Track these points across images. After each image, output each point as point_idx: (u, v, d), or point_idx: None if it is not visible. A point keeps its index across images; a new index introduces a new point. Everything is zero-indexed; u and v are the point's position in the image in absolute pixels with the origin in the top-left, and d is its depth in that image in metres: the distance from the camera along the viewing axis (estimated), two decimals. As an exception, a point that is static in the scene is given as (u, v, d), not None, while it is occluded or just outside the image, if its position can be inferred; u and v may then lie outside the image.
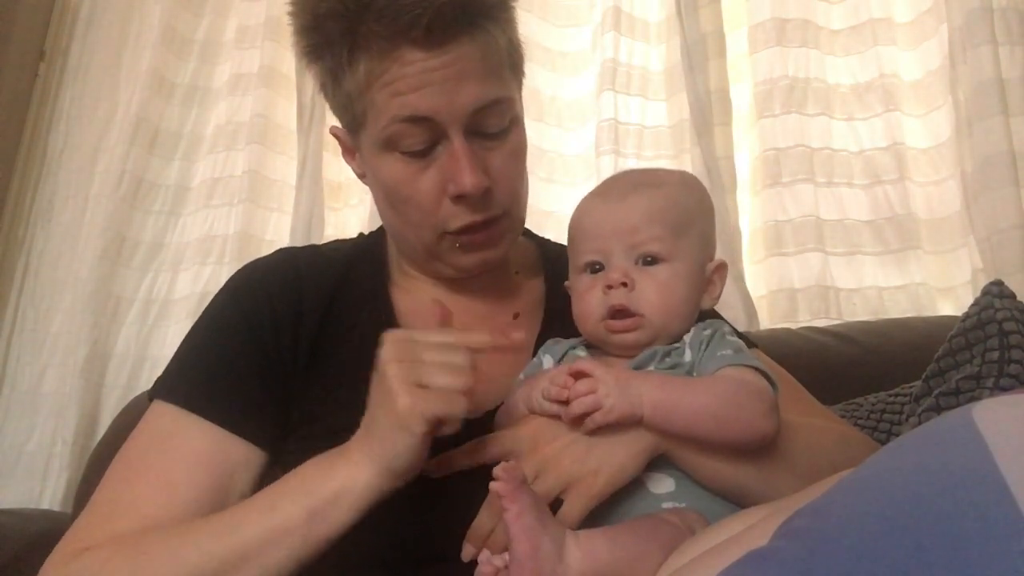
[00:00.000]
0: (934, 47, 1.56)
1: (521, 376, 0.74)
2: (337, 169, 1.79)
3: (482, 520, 0.62)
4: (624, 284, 0.67)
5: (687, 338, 0.68)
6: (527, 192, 0.83)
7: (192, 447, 0.72)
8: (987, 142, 1.41)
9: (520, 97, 0.81)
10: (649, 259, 0.67)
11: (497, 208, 0.76)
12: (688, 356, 0.67)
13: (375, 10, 0.69)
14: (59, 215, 1.77)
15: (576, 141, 1.76)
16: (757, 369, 0.64)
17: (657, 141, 1.68)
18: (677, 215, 0.69)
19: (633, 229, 0.68)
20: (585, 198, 0.74)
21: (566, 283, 0.76)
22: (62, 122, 1.82)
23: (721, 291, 0.72)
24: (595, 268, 0.70)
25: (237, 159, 1.77)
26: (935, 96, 1.55)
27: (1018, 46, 1.45)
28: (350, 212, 1.78)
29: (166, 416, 0.74)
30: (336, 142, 0.87)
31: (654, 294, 0.67)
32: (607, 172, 1.62)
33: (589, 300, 0.69)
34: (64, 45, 1.86)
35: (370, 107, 0.73)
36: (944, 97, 1.52)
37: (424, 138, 0.73)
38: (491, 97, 0.73)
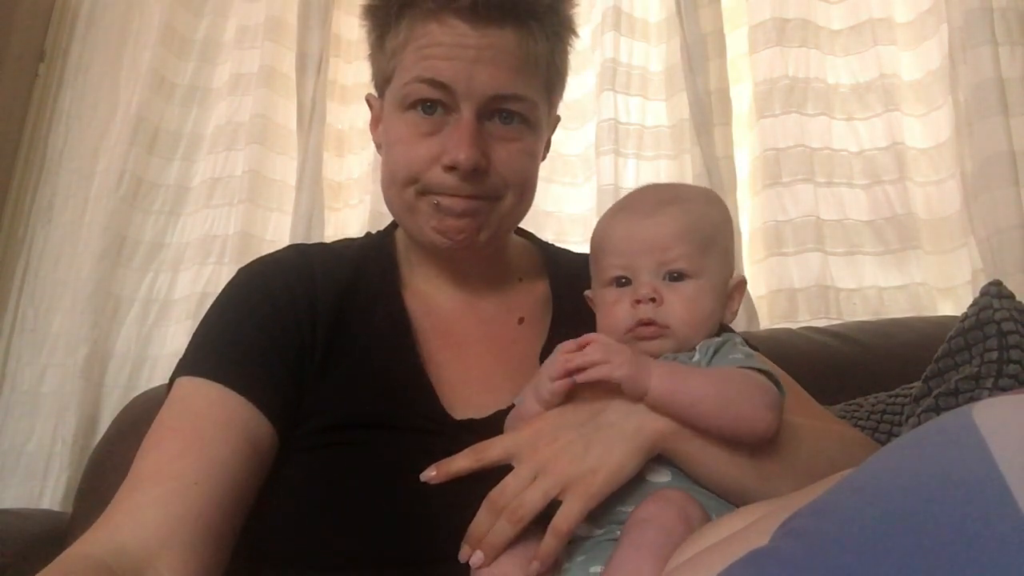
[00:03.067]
0: (934, 47, 1.56)
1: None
2: (337, 169, 1.79)
3: (480, 520, 0.62)
4: (652, 300, 0.68)
5: (698, 345, 0.70)
6: (529, 200, 0.83)
7: (220, 409, 0.70)
8: (987, 142, 1.41)
9: (548, 115, 0.83)
10: (676, 275, 0.69)
11: (489, 189, 0.77)
12: (696, 357, 0.68)
13: None
14: (59, 215, 1.76)
15: (576, 141, 1.76)
16: (766, 373, 0.65)
17: (657, 141, 1.68)
18: (703, 233, 0.70)
19: (662, 246, 0.69)
20: (610, 211, 0.75)
21: (587, 294, 0.76)
22: (62, 122, 1.81)
23: (739, 306, 0.74)
24: (621, 282, 0.71)
25: (237, 159, 1.76)
26: (935, 96, 1.55)
27: (1018, 46, 1.46)
28: (350, 212, 1.78)
29: (192, 388, 0.73)
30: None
31: (681, 308, 0.68)
32: (607, 172, 1.62)
33: (617, 313, 0.70)
34: (64, 45, 1.86)
35: (399, 64, 0.77)
36: (944, 97, 1.52)
37: (438, 105, 0.75)
38: (513, 90, 0.75)
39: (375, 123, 0.86)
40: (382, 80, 0.81)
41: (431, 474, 0.65)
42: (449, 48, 0.73)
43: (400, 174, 0.77)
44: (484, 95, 0.74)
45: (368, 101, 0.87)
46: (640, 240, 0.70)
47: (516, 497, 0.61)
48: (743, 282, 0.74)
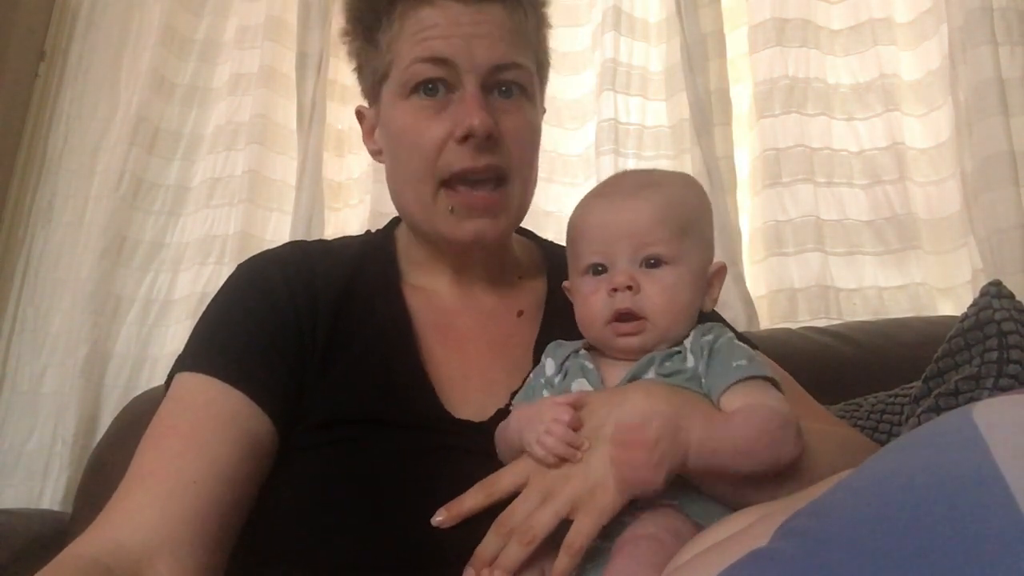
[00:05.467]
0: (934, 47, 1.56)
1: (531, 376, 0.73)
2: (337, 169, 1.79)
3: (487, 543, 0.61)
4: (629, 287, 0.66)
5: (687, 343, 0.67)
6: (532, 188, 0.83)
7: (220, 406, 0.70)
8: (987, 142, 1.41)
9: (541, 96, 0.84)
10: (653, 261, 0.67)
11: (503, 160, 0.77)
12: (691, 362, 0.66)
13: None
14: (59, 215, 1.76)
15: (576, 141, 1.76)
16: (769, 380, 0.64)
17: (657, 141, 1.68)
18: (681, 217, 0.68)
19: (639, 231, 0.67)
20: (586, 198, 0.74)
21: (565, 284, 0.76)
22: (62, 122, 1.81)
23: (719, 293, 0.73)
24: (598, 270, 0.69)
25: (237, 159, 1.76)
26: (935, 96, 1.55)
27: (1018, 46, 1.46)
28: (350, 212, 1.78)
29: (191, 384, 0.73)
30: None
31: (659, 297, 0.66)
32: (607, 172, 1.61)
33: (593, 303, 0.68)
34: (64, 45, 1.86)
35: (396, 55, 0.78)
36: (944, 97, 1.52)
37: (440, 84, 0.76)
38: (512, 59, 0.77)
39: (369, 133, 0.86)
40: (378, 79, 0.81)
41: (439, 519, 0.64)
42: (445, 27, 0.75)
43: (413, 163, 0.77)
44: (486, 65, 0.76)
45: (359, 113, 0.87)
46: (616, 225, 0.68)
47: (526, 519, 0.60)
48: (723, 268, 0.72)
